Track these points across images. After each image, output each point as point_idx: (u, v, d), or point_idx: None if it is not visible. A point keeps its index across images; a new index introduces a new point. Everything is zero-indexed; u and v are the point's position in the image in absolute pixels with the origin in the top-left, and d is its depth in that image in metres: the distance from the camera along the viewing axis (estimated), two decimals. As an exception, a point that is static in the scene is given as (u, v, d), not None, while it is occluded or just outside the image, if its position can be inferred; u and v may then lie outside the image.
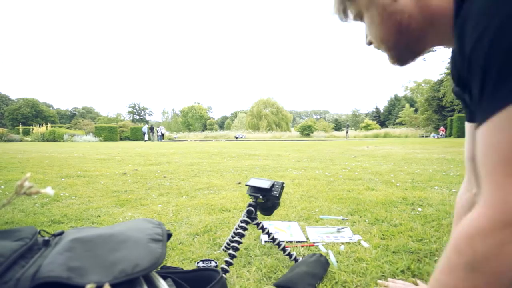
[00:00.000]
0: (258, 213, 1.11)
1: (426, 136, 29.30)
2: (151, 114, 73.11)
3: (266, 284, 0.96)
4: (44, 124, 24.48)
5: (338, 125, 64.01)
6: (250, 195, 1.10)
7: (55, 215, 1.79)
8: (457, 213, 0.81)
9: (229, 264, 0.99)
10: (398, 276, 1.00)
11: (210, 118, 66.30)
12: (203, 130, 51.54)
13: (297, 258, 1.10)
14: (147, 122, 62.11)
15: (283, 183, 1.08)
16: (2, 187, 2.68)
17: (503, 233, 0.34)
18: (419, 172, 3.51)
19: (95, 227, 0.78)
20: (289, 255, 1.10)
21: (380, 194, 2.30)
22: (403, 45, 0.62)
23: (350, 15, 0.67)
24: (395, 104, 59.31)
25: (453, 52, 0.58)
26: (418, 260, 1.13)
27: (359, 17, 0.66)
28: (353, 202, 2.05)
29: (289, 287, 0.91)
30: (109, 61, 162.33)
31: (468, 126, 0.65)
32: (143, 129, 25.11)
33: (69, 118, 68.34)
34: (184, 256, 1.18)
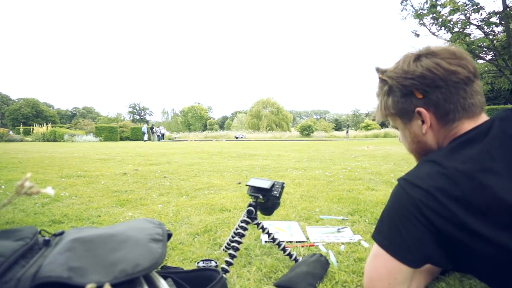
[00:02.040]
0: (258, 213, 1.11)
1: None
2: (151, 114, 73.14)
3: (266, 284, 0.96)
4: (44, 124, 24.48)
5: (338, 125, 64.02)
6: (250, 195, 1.10)
7: (56, 215, 1.79)
8: None
9: (229, 264, 0.99)
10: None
11: (210, 118, 66.28)
12: (203, 130, 51.52)
13: (297, 258, 1.10)
14: (147, 122, 62.11)
15: (283, 183, 1.08)
16: (3, 187, 2.68)
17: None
18: (419, 172, 3.50)
19: (96, 227, 0.78)
20: (289, 255, 1.10)
21: (380, 194, 2.30)
22: (421, 155, 0.87)
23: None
24: (395, 104, 59.07)
25: None
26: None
27: (395, 127, 0.92)
28: (353, 202, 2.05)
29: (289, 287, 0.91)
30: (109, 61, 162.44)
31: None
32: (142, 129, 25.10)
33: (69, 118, 68.36)
34: (184, 256, 1.18)
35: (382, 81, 0.85)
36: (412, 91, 0.78)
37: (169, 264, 1.10)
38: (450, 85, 0.74)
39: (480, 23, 10.40)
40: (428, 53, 0.77)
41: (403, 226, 0.71)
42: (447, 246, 0.69)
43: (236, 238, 1.05)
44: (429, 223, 0.68)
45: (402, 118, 0.84)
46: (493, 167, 0.66)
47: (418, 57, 0.78)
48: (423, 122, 0.80)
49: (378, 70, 0.86)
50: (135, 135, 25.88)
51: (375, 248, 0.77)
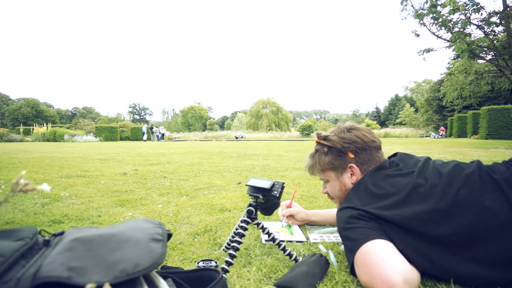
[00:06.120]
0: (258, 213, 1.11)
1: (426, 136, 29.29)
2: (151, 114, 73.18)
3: (267, 284, 0.96)
4: (44, 124, 24.50)
5: (338, 125, 63.93)
6: (250, 195, 1.10)
7: (56, 215, 1.79)
8: None
9: (229, 264, 0.99)
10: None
11: (210, 118, 66.29)
12: (203, 130, 51.57)
13: (297, 258, 1.10)
14: (147, 122, 62.13)
15: (283, 183, 1.08)
16: (3, 187, 2.68)
17: None
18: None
19: (96, 227, 0.78)
20: (289, 255, 1.10)
21: (381, 194, 2.29)
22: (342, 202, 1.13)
23: (317, 175, 1.22)
24: (395, 104, 59.16)
25: None
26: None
27: (325, 181, 1.20)
28: (353, 202, 2.05)
29: (289, 287, 0.91)
30: (109, 61, 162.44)
31: None
32: (142, 129, 25.14)
33: (69, 118, 68.40)
34: (184, 256, 1.18)
35: (321, 144, 1.15)
36: (346, 151, 1.10)
37: (169, 264, 1.09)
38: (372, 149, 1.10)
39: (480, 23, 10.39)
40: (355, 128, 1.12)
41: (360, 223, 0.93)
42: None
43: (236, 238, 1.05)
44: (369, 215, 0.94)
45: (336, 171, 1.14)
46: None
47: (348, 129, 1.12)
48: (351, 174, 1.11)
49: (319, 136, 1.15)
50: (135, 135, 25.89)
51: (358, 267, 0.90)
